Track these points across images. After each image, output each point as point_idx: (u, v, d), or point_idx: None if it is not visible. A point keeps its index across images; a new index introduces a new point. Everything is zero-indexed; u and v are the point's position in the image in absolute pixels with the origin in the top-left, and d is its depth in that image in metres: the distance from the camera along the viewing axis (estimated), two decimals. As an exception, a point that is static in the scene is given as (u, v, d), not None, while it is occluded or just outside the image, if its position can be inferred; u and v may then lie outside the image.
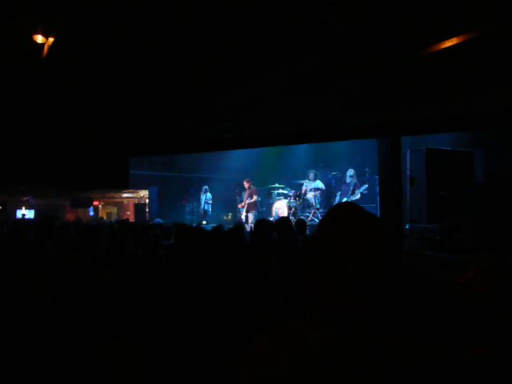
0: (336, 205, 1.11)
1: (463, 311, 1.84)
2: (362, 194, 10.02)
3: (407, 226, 6.80)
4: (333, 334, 0.93)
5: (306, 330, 0.98)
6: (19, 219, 13.43)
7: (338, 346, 0.92)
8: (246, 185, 11.40)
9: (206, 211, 12.80)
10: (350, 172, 10.21)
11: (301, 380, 0.90)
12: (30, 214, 17.51)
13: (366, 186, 9.90)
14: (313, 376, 0.90)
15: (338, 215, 1.01)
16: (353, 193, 10.01)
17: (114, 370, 2.31)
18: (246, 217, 11.20)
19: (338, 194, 10.50)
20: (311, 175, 11.17)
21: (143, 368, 2.26)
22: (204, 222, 11.73)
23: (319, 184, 11.15)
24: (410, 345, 0.94)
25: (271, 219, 10.64)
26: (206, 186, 13.33)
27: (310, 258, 1.02)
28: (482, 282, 1.91)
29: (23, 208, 18.05)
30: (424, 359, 0.91)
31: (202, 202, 13.08)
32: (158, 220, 10.32)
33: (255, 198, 11.27)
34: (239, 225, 5.31)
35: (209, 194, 13.15)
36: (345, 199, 10.09)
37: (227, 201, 13.28)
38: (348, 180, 10.20)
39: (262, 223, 4.43)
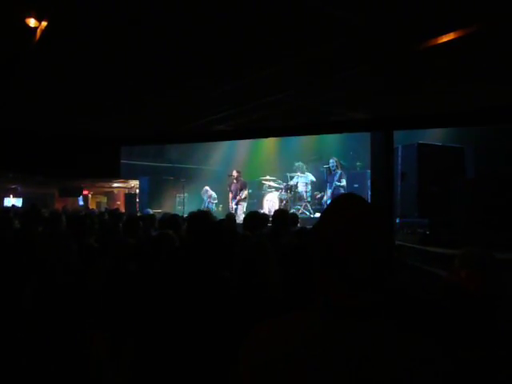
0: (339, 196, 1.10)
1: (454, 309, 1.85)
2: (353, 187, 10.08)
3: (398, 221, 6.86)
4: (330, 327, 0.93)
5: (303, 322, 0.97)
6: (7, 207, 13.24)
7: (335, 338, 0.91)
8: (235, 174, 11.34)
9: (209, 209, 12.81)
10: (333, 162, 10.29)
11: (297, 371, 0.90)
12: (17, 202, 17.28)
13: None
14: (308, 367, 0.90)
15: (341, 206, 1.00)
16: (339, 180, 10.07)
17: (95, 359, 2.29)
18: (236, 209, 11.16)
19: (327, 185, 10.56)
20: (301, 168, 11.20)
21: (132, 360, 2.24)
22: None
23: (309, 176, 11.17)
24: (407, 340, 0.94)
25: (262, 211, 10.65)
26: (206, 187, 13.27)
27: (312, 249, 1.01)
28: (467, 279, 1.92)
29: (11, 196, 17.81)
30: (419, 355, 0.91)
31: (206, 202, 13.14)
32: (148, 210, 10.27)
33: (246, 192, 11.28)
34: (230, 216, 5.29)
35: (213, 194, 13.16)
36: (329, 190, 10.16)
37: (218, 192, 13.23)
38: (333, 169, 10.32)
39: (255, 215, 4.41)
